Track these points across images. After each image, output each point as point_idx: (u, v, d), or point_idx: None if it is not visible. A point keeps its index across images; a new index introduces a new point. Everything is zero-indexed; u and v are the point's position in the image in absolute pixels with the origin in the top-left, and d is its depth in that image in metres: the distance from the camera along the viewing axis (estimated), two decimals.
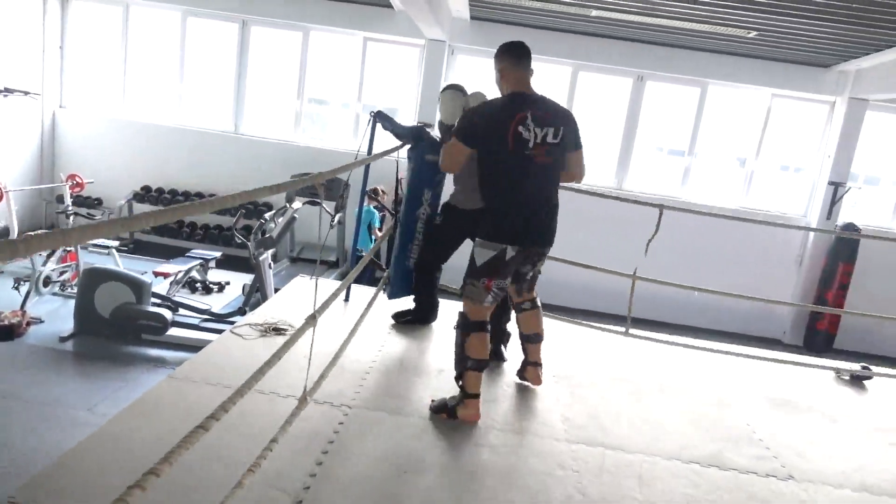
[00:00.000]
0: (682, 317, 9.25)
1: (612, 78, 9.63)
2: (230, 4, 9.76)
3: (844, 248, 9.14)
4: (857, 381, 4.43)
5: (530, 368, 3.52)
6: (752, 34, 8.03)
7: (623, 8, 7.75)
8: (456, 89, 3.97)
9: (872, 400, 4.21)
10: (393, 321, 4.24)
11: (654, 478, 2.83)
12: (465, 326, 3.09)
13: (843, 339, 9.21)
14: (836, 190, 9.33)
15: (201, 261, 7.55)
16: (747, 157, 9.78)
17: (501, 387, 3.55)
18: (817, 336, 9.25)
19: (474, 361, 3.04)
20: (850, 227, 9.13)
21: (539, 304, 3.49)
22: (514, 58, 3.08)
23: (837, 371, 4.54)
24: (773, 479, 2.97)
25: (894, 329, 8.93)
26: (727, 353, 4.61)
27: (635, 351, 4.48)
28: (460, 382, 3.07)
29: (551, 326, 4.42)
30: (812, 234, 9.54)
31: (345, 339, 3.24)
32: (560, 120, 3.03)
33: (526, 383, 3.56)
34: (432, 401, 3.17)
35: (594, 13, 8.08)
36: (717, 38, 8.52)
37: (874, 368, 4.50)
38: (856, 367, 4.53)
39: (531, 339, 3.49)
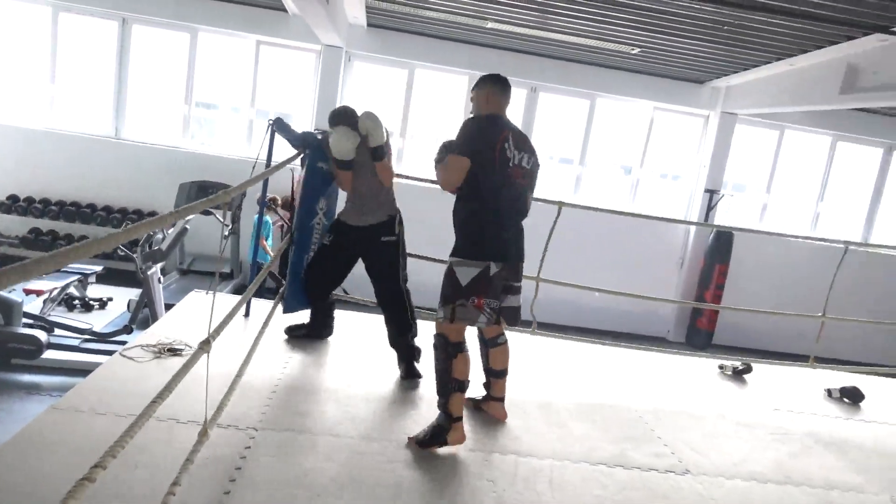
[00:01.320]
0: (575, 319, 9.62)
1: None
2: (109, 1, 9.13)
3: (719, 249, 9.88)
4: (738, 375, 4.78)
5: (495, 404, 3.43)
6: (636, 51, 8.53)
7: (518, 21, 7.99)
8: (346, 124, 3.69)
9: (752, 393, 4.55)
10: (286, 335, 4.08)
11: (565, 482, 2.90)
12: (448, 349, 3.02)
13: (720, 335, 9.94)
14: (712, 197, 10.08)
15: (79, 276, 6.97)
16: (633, 166, 10.35)
17: (412, 401, 3.52)
18: (698, 334, 9.93)
19: (459, 383, 3.01)
20: (723, 230, 9.88)
21: (506, 340, 3.42)
22: (500, 87, 3.19)
23: (721, 367, 4.88)
24: (672, 475, 3.13)
25: (765, 324, 9.75)
26: (620, 346, 4.83)
27: (538, 353, 4.60)
28: (445, 407, 2.99)
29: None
30: (691, 237, 10.23)
31: (245, 357, 3.10)
32: (530, 149, 3.16)
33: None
34: (409, 438, 3.00)
35: (489, 25, 8.27)
36: (605, 54, 8.97)
37: (752, 363, 4.88)
38: (736, 362, 4.88)
39: (499, 375, 3.40)
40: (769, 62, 8.09)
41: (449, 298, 3.00)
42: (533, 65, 9.64)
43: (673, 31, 7.42)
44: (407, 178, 4.89)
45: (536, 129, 9.96)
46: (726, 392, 4.50)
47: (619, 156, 10.45)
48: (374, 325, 4.63)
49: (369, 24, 9.19)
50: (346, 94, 9.66)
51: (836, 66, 7.28)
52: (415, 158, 9.98)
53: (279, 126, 4.01)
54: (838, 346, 8.43)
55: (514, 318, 3.24)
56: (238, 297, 3.08)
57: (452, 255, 3.05)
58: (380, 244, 3.73)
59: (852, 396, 4.63)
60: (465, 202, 3.07)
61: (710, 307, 8.39)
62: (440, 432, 2.96)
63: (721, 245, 9.84)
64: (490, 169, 2.98)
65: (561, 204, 4.74)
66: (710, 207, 10.07)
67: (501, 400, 3.42)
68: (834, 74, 7.32)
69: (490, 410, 3.43)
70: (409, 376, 3.75)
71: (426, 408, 3.41)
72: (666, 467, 3.20)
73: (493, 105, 3.16)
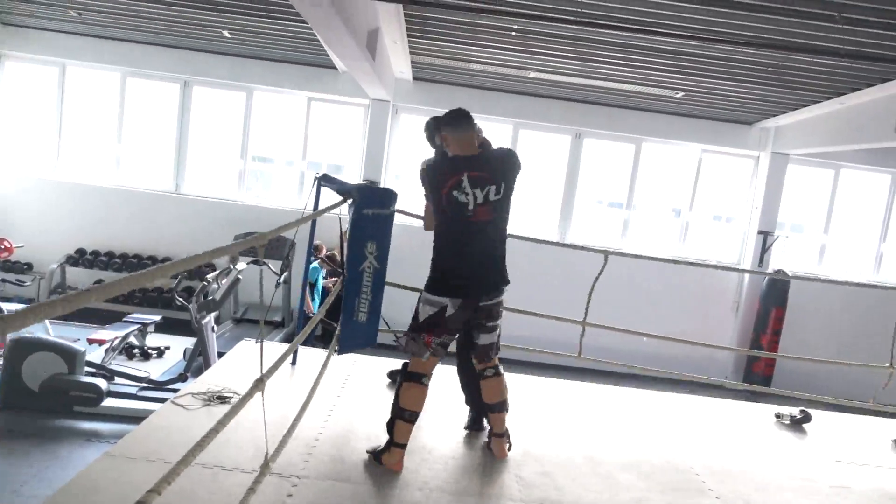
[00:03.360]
0: (628, 366, 9.37)
1: (552, 135, 9.99)
2: (172, 65, 9.74)
3: (776, 293, 9.55)
4: (796, 424, 4.56)
5: (494, 440, 3.41)
6: (680, 94, 8.53)
7: (560, 70, 8.13)
8: None
9: (812, 443, 4.34)
10: (388, 379, 4.36)
11: None
12: (404, 375, 3.16)
13: (779, 380, 9.52)
14: (766, 238, 9.81)
15: (139, 325, 7.27)
16: (682, 209, 10.22)
17: (457, 445, 3.50)
18: (755, 379, 9.53)
19: (406, 412, 3.09)
20: (779, 272, 9.57)
21: (502, 371, 3.37)
22: (450, 126, 3.15)
23: (778, 415, 4.68)
24: None
25: (826, 370, 9.29)
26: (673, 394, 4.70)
27: (583, 399, 4.52)
28: (390, 429, 3.10)
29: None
30: (746, 281, 9.94)
31: (294, 404, 3.16)
32: (499, 175, 3.08)
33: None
34: (367, 451, 3.22)
35: (532, 74, 8.44)
36: (649, 98, 9.00)
37: (811, 411, 4.66)
38: (794, 410, 4.67)
39: (494, 409, 3.36)
40: (819, 101, 7.95)
41: (409, 329, 3.19)
42: (577, 111, 9.73)
43: (716, 74, 7.41)
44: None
45: (582, 174, 9.99)
46: (784, 442, 4.30)
47: (669, 199, 10.34)
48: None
49: (415, 78, 9.50)
50: (394, 145, 9.93)
51: (890, 104, 7.10)
52: None
53: (326, 179, 4.18)
54: None
55: (485, 355, 3.27)
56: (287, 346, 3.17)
57: (423, 288, 3.21)
58: None
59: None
60: (434, 241, 3.24)
61: (766, 354, 8.08)
62: (380, 451, 3.13)
63: (777, 289, 9.52)
64: (441, 213, 3.10)
65: (606, 253, 4.74)
66: (764, 249, 9.80)
67: (501, 436, 3.39)
68: (887, 112, 7.13)
69: (491, 447, 3.43)
70: (473, 428, 3.74)
71: (469, 457, 3.39)
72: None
73: (451, 148, 3.16)
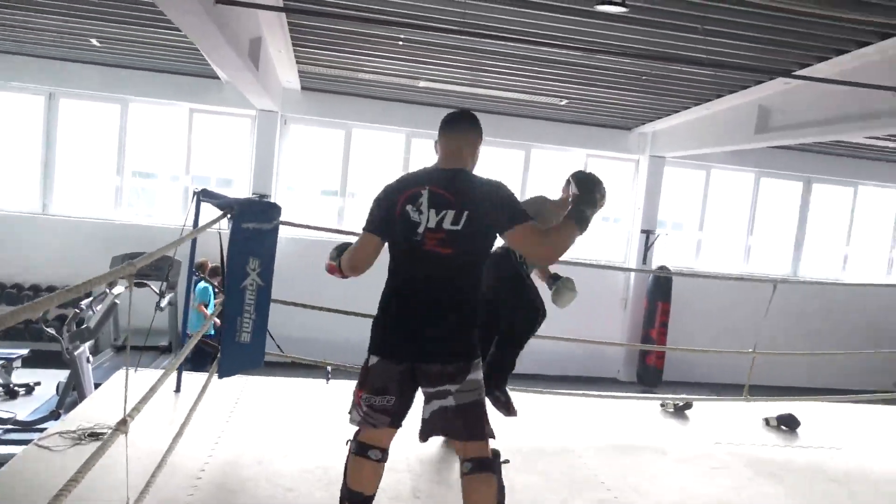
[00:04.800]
0: (522, 366, 9.59)
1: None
2: (34, 76, 9.00)
3: (660, 288, 10.11)
4: (679, 411, 4.82)
5: None
6: (564, 102, 8.87)
7: (450, 80, 8.22)
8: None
9: (694, 428, 4.60)
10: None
11: None
12: (353, 443, 2.49)
13: (669, 371, 10.08)
14: (648, 237, 10.38)
15: (3, 361, 6.61)
16: None
17: None
18: (648, 371, 10.05)
19: (346, 491, 2.45)
20: (662, 269, 10.14)
21: (488, 467, 2.42)
22: (441, 130, 2.54)
23: (663, 405, 4.92)
24: None
25: (707, 358, 9.94)
26: (567, 393, 4.84)
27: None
28: None
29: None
30: (632, 278, 10.47)
31: (174, 435, 2.97)
32: (467, 203, 2.35)
33: None
34: None
35: (422, 84, 8.49)
36: (536, 106, 9.29)
37: (692, 397, 4.95)
38: (678, 399, 4.94)
39: None
40: (688, 107, 8.51)
41: None
42: None
43: (596, 82, 7.76)
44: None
45: None
46: (668, 430, 4.53)
47: None
48: (312, 391, 4.53)
49: (303, 88, 9.31)
50: (284, 157, 9.68)
51: (750, 109, 7.71)
52: (355, 217, 9.99)
53: (206, 194, 3.99)
54: (777, 372, 8.65)
55: (426, 430, 2.43)
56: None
57: None
58: None
59: (789, 423, 4.72)
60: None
61: (646, 347, 8.52)
62: None
63: (661, 284, 10.09)
64: (390, 240, 2.48)
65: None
66: (647, 247, 10.36)
67: None
68: (748, 116, 7.74)
69: None
70: None
71: None
72: None
73: (437, 153, 2.55)
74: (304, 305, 4.64)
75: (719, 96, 7.83)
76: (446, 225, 2.34)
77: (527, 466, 3.61)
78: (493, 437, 2.44)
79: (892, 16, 4.80)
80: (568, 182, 3.67)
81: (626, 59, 6.65)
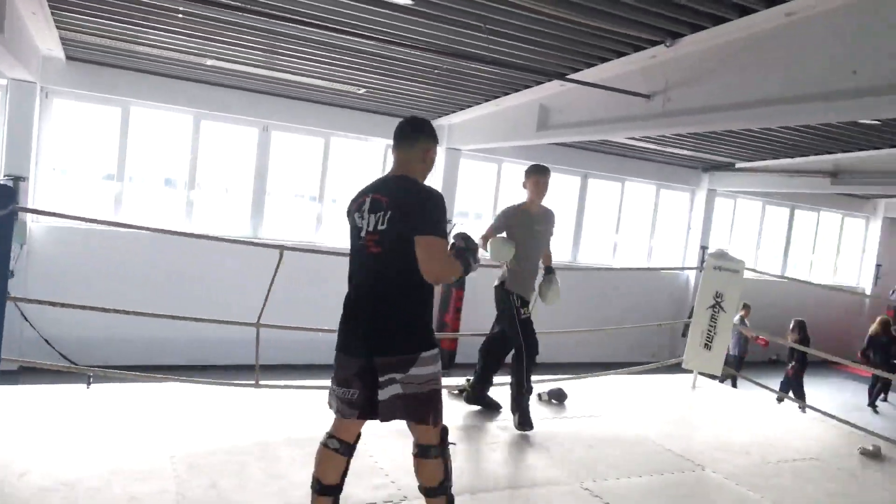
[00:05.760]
0: (319, 357, 9.46)
1: (238, 127, 9.58)
2: None
3: None
4: (461, 394, 5.06)
5: None
6: (362, 91, 8.84)
7: (241, 60, 7.78)
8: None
9: (475, 408, 4.85)
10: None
11: None
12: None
13: (462, 353, 10.58)
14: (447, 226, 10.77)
15: None
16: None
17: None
18: (443, 354, 10.46)
19: (314, 480, 2.76)
20: None
21: (425, 453, 2.74)
22: (393, 139, 2.88)
23: (449, 390, 5.13)
24: None
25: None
26: None
27: (265, 403, 4.39)
28: None
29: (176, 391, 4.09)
30: None
31: None
32: (394, 205, 2.62)
33: None
34: None
35: (210, 62, 7.94)
36: (335, 94, 9.16)
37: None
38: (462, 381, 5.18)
39: (425, 493, 2.79)
40: (479, 103, 8.95)
41: None
42: (263, 104, 9.47)
43: (392, 73, 7.82)
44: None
45: (272, 168, 9.78)
46: (453, 411, 4.72)
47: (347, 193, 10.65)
48: (70, 399, 4.04)
49: (69, 58, 8.24)
50: (47, 135, 8.51)
51: (532, 107, 8.30)
52: (137, 202, 9.13)
53: None
54: (553, 351, 9.47)
55: (386, 412, 2.69)
56: None
57: None
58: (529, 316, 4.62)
59: (558, 397, 5.19)
60: None
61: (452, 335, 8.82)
62: None
63: None
64: (351, 245, 2.80)
65: (282, 248, 4.67)
66: (445, 236, 10.73)
67: None
68: (531, 114, 8.33)
69: None
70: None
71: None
72: (385, 498, 3.22)
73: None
74: (62, 305, 4.12)
75: (506, 94, 8.32)
76: (379, 226, 2.63)
77: (306, 460, 3.54)
78: (439, 424, 2.73)
79: (643, 31, 5.42)
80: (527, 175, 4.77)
81: (417, 52, 6.78)
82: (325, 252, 5.70)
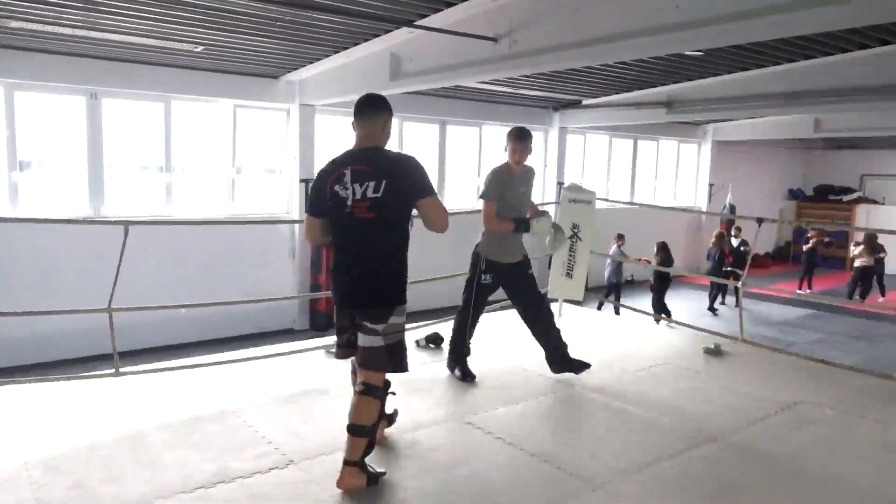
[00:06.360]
0: (188, 335, 9.10)
1: (60, 97, 8.63)
2: None
3: None
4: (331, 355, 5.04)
5: (344, 467, 3.01)
6: (200, 49, 8.23)
7: (55, 21, 6.94)
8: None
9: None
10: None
11: None
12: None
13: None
14: (307, 185, 10.49)
15: None
16: (225, 167, 10.11)
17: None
18: (320, 317, 10.36)
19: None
20: None
21: (371, 392, 3.03)
22: (354, 115, 3.12)
23: (326, 349, 5.10)
24: (276, 471, 3.13)
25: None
26: (233, 360, 4.68)
27: (129, 391, 4.14)
28: None
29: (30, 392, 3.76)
30: (297, 228, 10.53)
31: None
32: (384, 173, 2.94)
33: None
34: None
35: (15, 24, 7.02)
36: (171, 53, 8.46)
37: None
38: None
39: (349, 430, 3.02)
40: (329, 55, 8.65)
41: None
42: (90, 69, 8.56)
43: (231, 28, 7.33)
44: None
45: (107, 138, 8.95)
46: (330, 370, 4.70)
47: (210, 158, 10.07)
48: None
49: None
50: None
51: (383, 56, 8.15)
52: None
53: None
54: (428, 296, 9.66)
55: (361, 360, 3.05)
56: None
57: None
58: (529, 276, 4.71)
59: (435, 341, 5.33)
60: None
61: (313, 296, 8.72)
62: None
63: None
64: (328, 214, 3.05)
65: (127, 224, 4.31)
66: (305, 196, 10.46)
67: (347, 464, 3.00)
68: (382, 64, 8.18)
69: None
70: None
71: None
72: (269, 465, 3.18)
73: (356, 135, 3.13)
74: None
75: (355, 44, 8.10)
76: (369, 194, 2.92)
77: (178, 442, 3.40)
78: (404, 370, 3.10)
79: None
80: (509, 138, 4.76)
81: (256, 3, 6.39)
82: (175, 223, 5.35)
